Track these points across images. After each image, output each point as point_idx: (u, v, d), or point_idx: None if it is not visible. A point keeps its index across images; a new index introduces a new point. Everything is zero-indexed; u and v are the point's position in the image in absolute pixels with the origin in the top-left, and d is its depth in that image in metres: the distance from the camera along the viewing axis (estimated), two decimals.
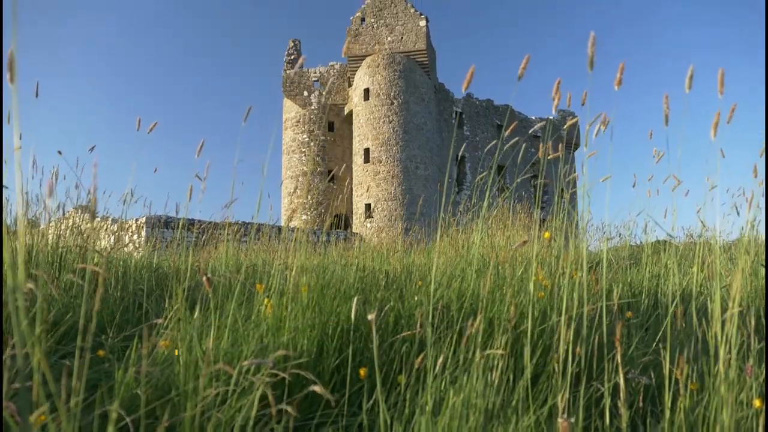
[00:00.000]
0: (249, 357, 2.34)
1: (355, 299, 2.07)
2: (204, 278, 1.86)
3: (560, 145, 2.85)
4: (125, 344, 2.88)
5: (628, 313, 3.12)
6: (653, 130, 3.21)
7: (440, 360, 2.01)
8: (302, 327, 2.65)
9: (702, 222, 4.06)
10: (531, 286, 2.61)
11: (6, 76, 1.31)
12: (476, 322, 2.11)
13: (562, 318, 2.10)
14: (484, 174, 3.49)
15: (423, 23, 33.47)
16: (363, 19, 34.46)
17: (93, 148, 4.48)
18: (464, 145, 20.13)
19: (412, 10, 33.76)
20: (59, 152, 4.37)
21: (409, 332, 2.59)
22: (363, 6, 34.64)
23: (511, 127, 2.52)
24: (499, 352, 2.02)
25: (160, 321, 2.54)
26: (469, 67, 2.04)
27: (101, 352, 2.41)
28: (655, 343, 2.87)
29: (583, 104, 2.47)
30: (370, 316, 1.83)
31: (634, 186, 4.13)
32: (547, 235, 2.60)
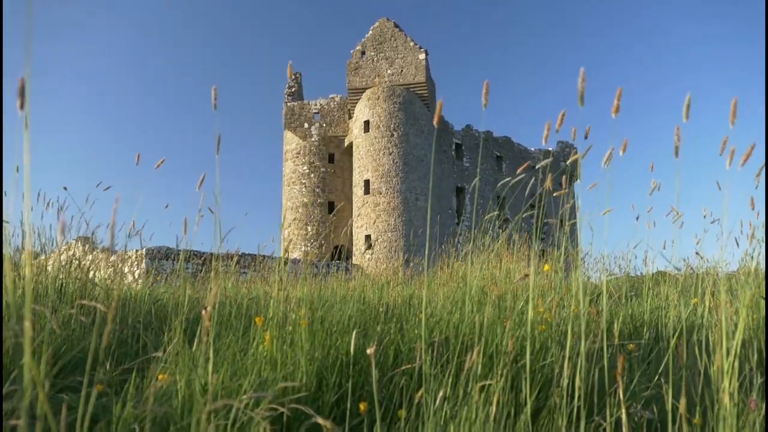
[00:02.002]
0: (248, 391, 2.33)
1: (354, 333, 2.07)
2: (203, 312, 1.86)
3: (563, 178, 2.87)
4: (123, 378, 2.85)
5: (630, 346, 3.10)
6: (655, 159, 3.23)
7: (440, 394, 1.99)
8: (301, 361, 2.63)
9: (699, 254, 4.07)
10: (530, 320, 2.60)
11: (17, 102, 1.32)
12: (474, 355, 2.10)
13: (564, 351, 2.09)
14: (491, 215, 3.50)
15: (422, 56, 33.88)
16: (363, 53, 34.90)
17: (108, 187, 4.52)
18: (474, 183, 20.19)
19: (412, 44, 34.21)
20: (65, 188, 4.41)
21: (408, 365, 2.57)
22: (363, 39, 35.12)
23: (523, 166, 2.54)
24: (496, 383, 2.00)
25: (158, 354, 2.52)
26: (469, 100, 2.06)
27: (99, 387, 2.40)
28: (656, 377, 2.85)
29: (573, 139, 2.49)
30: (369, 350, 1.82)
31: (638, 219, 4.14)
32: (546, 267, 2.60)
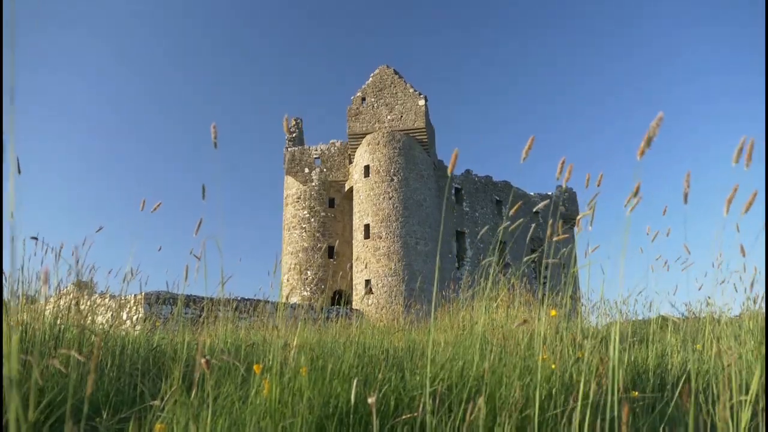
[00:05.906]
0: None
1: (355, 381, 2.04)
2: (203, 360, 1.84)
3: (573, 226, 2.87)
4: (120, 427, 2.81)
5: (634, 393, 3.06)
6: (669, 200, 3.25)
7: None
8: (300, 410, 2.59)
9: (709, 299, 4.05)
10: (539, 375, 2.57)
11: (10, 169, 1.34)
12: (477, 405, 2.06)
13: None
14: (490, 259, 3.51)
15: (422, 102, 34.38)
16: (363, 99, 35.44)
17: (100, 229, 4.53)
18: (476, 227, 20.23)
19: (411, 90, 34.77)
20: (34, 237, 4.43)
21: (409, 415, 2.53)
22: (364, 86, 35.72)
23: (515, 207, 2.56)
24: None
25: (155, 403, 2.48)
26: (468, 143, 2.09)
27: None
28: (662, 428, 2.80)
29: (586, 186, 2.50)
30: (370, 399, 1.80)
31: (655, 264, 4.13)
32: (553, 313, 2.59)
